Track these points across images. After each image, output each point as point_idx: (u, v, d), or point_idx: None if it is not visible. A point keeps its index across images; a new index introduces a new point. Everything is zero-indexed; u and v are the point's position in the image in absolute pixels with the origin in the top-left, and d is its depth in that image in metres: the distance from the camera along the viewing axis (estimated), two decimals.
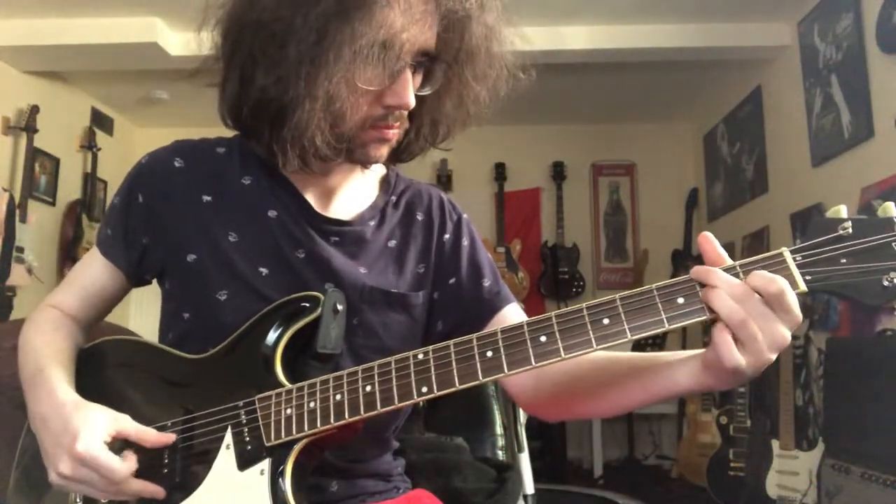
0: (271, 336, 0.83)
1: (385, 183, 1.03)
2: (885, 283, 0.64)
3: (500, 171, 4.78)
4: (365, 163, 0.91)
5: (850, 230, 0.66)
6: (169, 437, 0.82)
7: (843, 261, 0.66)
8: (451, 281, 0.99)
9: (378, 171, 1.04)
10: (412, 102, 0.84)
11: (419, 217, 1.01)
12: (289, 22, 0.77)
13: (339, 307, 0.86)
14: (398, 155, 0.95)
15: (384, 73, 0.81)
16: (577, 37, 3.50)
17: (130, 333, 1.10)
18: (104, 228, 0.97)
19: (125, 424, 0.81)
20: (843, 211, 0.68)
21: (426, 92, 0.87)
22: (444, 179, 4.77)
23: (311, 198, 0.94)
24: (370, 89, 0.81)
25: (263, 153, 0.90)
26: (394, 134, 0.87)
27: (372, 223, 0.97)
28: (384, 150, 0.88)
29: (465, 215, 1.06)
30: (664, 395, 0.76)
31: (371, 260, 0.95)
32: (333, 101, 0.79)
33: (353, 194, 0.98)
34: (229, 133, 0.97)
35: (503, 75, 0.91)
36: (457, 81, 0.89)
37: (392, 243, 0.98)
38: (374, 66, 0.79)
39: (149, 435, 0.82)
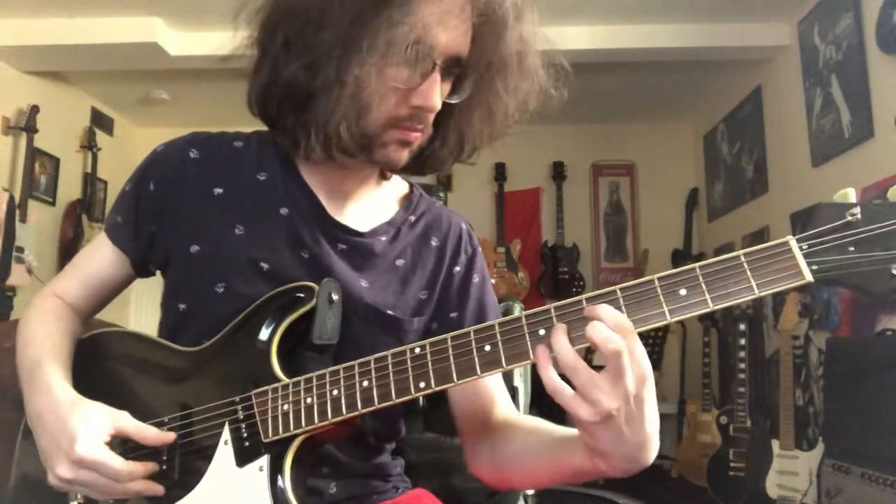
0: (266, 328, 0.83)
1: (406, 201, 1.02)
2: (895, 272, 0.62)
3: (500, 171, 4.77)
4: (384, 164, 0.89)
5: (859, 216, 0.63)
6: (169, 436, 0.82)
7: (851, 249, 0.63)
8: (453, 315, 0.98)
9: (401, 188, 1.03)
10: (438, 104, 0.83)
11: (434, 242, 0.99)
12: (324, 7, 0.77)
13: (335, 297, 0.85)
14: (422, 165, 0.94)
15: (414, 72, 0.80)
16: (577, 37, 3.50)
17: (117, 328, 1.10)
18: (114, 215, 0.96)
19: (124, 422, 0.80)
20: (850, 195, 0.65)
21: (454, 100, 0.86)
22: (444, 179, 4.77)
23: (325, 201, 0.93)
24: (398, 87, 0.80)
25: (286, 143, 0.88)
26: (416, 137, 0.85)
27: (384, 238, 0.95)
28: (404, 154, 0.87)
29: (479, 249, 1.04)
30: (567, 469, 0.77)
31: (375, 275, 0.93)
32: (363, 89, 0.79)
33: (370, 206, 0.97)
34: (234, 129, 0.97)
35: (535, 90, 0.89)
36: (486, 93, 0.87)
37: (400, 262, 0.96)
38: (405, 64, 0.79)
39: (148, 433, 0.81)
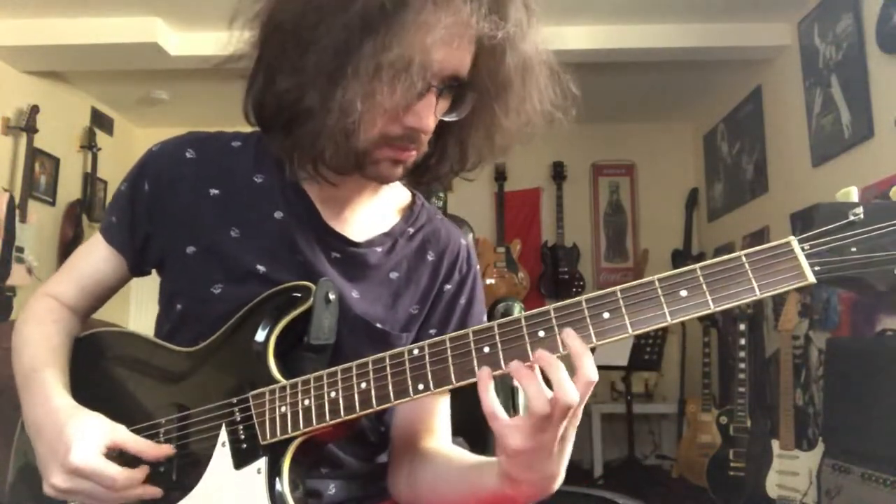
0: (263, 328, 0.82)
1: (407, 211, 0.99)
2: None
3: (500, 171, 4.77)
4: (376, 180, 0.87)
5: (862, 216, 0.62)
6: (166, 449, 0.82)
7: (854, 249, 0.61)
8: (432, 332, 0.97)
9: (402, 196, 1.01)
10: (431, 126, 0.81)
11: (430, 257, 0.98)
12: (312, 30, 0.75)
13: (332, 296, 0.85)
14: (419, 178, 0.92)
15: (408, 93, 0.76)
16: (577, 37, 3.49)
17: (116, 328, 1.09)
18: (109, 215, 0.95)
19: (122, 436, 0.80)
20: (853, 193, 0.64)
21: (452, 118, 0.83)
22: None
23: (322, 208, 0.91)
24: (391, 108, 0.77)
25: (279, 153, 0.87)
26: (408, 156, 0.83)
27: (380, 249, 0.94)
28: (398, 171, 0.85)
29: (475, 268, 1.02)
30: (477, 493, 0.80)
31: (367, 286, 0.92)
32: (348, 115, 0.76)
33: (369, 215, 0.95)
34: (234, 129, 0.96)
35: (539, 111, 0.86)
36: (488, 112, 0.84)
37: (394, 275, 0.95)
38: (398, 85, 0.75)
39: (146, 448, 0.81)
